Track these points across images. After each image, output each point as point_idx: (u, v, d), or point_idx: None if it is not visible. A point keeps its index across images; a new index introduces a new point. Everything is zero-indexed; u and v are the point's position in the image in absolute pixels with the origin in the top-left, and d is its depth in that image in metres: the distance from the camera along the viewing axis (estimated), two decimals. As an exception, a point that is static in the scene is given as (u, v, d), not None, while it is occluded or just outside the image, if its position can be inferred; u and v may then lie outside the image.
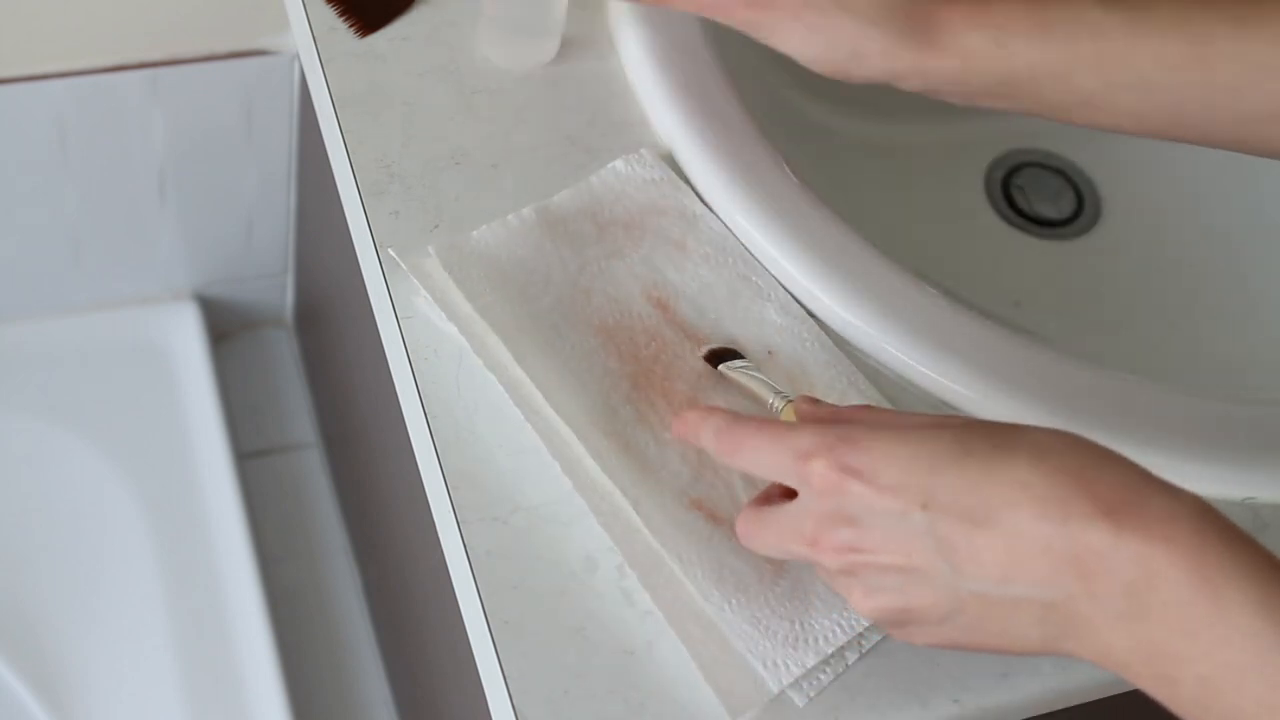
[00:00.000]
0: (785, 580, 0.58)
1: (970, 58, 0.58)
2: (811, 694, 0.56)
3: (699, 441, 0.56)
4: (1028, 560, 0.46)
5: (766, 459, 0.52)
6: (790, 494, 0.52)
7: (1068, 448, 0.48)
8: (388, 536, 1.05)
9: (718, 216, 0.69)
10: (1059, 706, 0.60)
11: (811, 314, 0.67)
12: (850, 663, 0.57)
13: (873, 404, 0.62)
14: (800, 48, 0.59)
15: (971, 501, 0.47)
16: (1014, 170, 0.90)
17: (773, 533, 0.52)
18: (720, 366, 0.63)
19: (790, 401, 0.59)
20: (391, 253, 0.64)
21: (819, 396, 0.64)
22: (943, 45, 0.58)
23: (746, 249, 0.68)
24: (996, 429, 0.49)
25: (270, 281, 1.27)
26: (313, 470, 1.26)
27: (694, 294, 0.66)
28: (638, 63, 0.72)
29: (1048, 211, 0.89)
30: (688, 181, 0.70)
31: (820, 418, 0.55)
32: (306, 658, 1.15)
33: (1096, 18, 0.57)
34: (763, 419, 0.54)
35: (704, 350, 0.64)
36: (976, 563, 0.47)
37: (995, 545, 0.46)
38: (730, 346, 0.64)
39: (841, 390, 0.64)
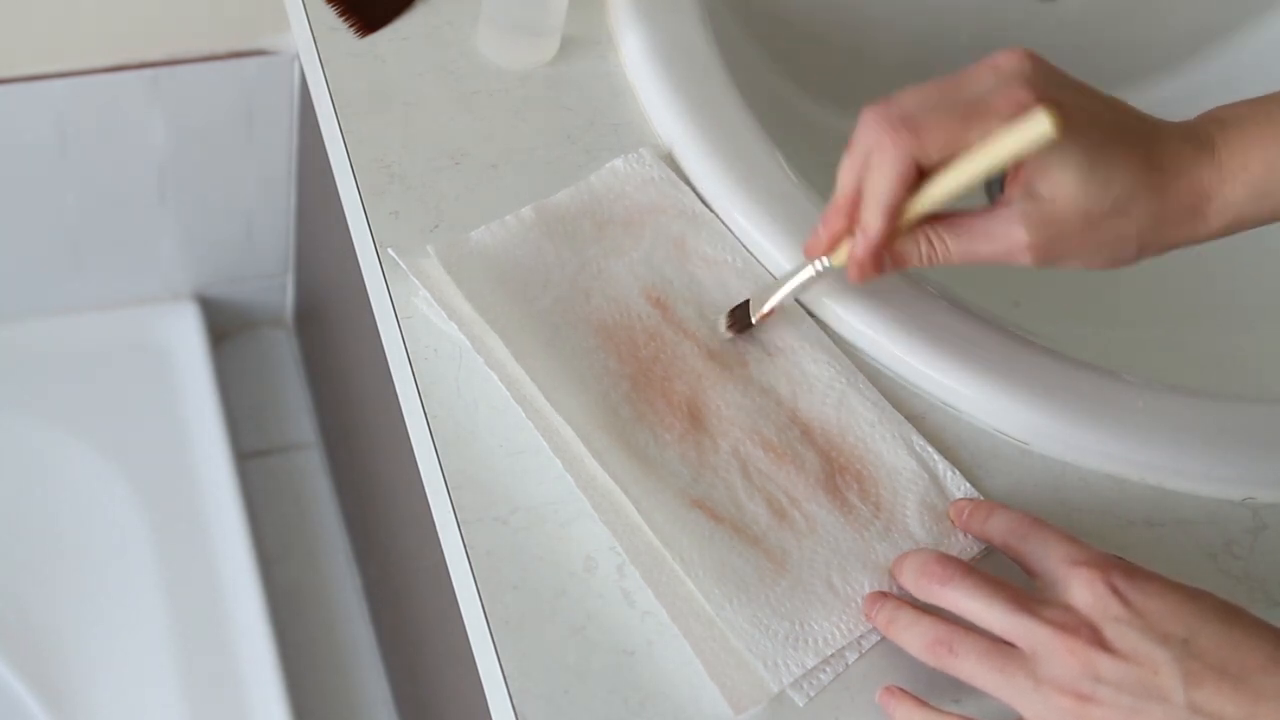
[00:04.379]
0: (785, 580, 0.58)
1: (1237, 220, 0.60)
2: (811, 694, 0.56)
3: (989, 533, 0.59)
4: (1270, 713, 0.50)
5: (1039, 550, 0.55)
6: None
7: None
8: (388, 536, 1.05)
9: (717, 216, 0.69)
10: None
11: (811, 314, 0.67)
12: (850, 663, 0.57)
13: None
14: (1088, 266, 0.61)
15: (1227, 656, 0.51)
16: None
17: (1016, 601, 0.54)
18: (754, 320, 0.64)
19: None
20: (391, 253, 0.64)
21: (819, 397, 0.64)
22: (1211, 217, 0.60)
23: (746, 248, 0.68)
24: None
25: (270, 281, 1.27)
26: (313, 470, 1.26)
27: (693, 294, 0.66)
28: (638, 63, 0.72)
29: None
30: (687, 181, 0.70)
31: None
32: (306, 658, 1.15)
33: None
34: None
35: (724, 324, 0.65)
36: (1216, 703, 0.50)
37: (1240, 697, 0.50)
38: (734, 306, 0.65)
39: (841, 390, 0.64)
